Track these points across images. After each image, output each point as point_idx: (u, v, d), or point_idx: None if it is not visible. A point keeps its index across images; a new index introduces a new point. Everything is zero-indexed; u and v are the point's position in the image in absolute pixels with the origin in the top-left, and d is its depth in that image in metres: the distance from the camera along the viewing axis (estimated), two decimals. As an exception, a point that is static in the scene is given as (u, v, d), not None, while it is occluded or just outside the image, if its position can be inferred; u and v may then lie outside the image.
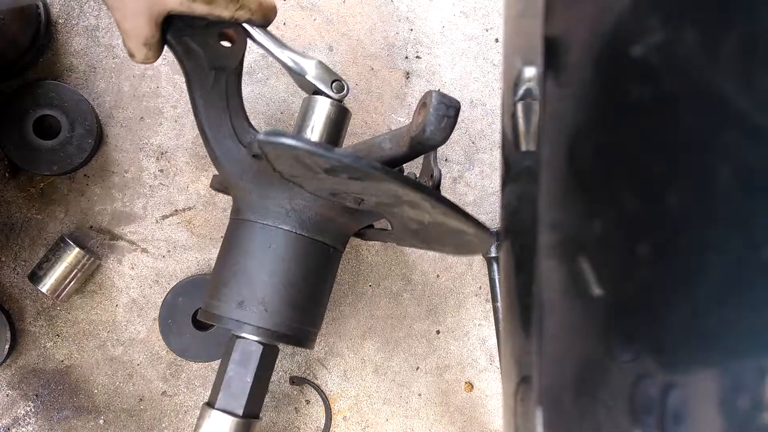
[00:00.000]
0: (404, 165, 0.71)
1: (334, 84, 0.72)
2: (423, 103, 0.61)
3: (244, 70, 0.92)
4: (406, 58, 0.94)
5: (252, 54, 0.92)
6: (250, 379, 0.71)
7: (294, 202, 0.69)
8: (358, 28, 0.94)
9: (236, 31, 0.69)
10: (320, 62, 0.72)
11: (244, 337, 0.71)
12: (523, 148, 0.49)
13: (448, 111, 0.59)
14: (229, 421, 0.70)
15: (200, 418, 0.72)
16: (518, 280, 0.49)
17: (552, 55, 0.43)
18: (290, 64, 0.71)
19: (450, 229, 0.60)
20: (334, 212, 0.70)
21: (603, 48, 0.41)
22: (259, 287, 0.69)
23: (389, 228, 0.73)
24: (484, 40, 0.95)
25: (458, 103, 0.60)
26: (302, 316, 0.71)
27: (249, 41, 0.71)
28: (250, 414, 0.72)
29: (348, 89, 0.73)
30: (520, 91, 0.49)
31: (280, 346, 0.93)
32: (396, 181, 0.51)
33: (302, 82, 0.73)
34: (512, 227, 0.52)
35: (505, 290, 0.57)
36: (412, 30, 0.95)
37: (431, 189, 0.56)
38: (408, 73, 0.94)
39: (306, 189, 0.65)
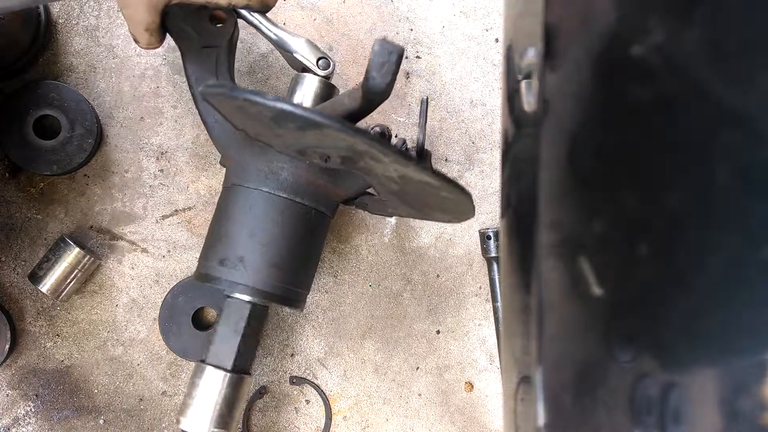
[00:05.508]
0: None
1: (320, 61, 0.76)
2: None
3: (245, 70, 0.92)
4: (406, 58, 0.94)
5: (252, 54, 0.92)
6: (237, 335, 0.73)
7: (272, 165, 0.72)
8: (358, 28, 0.94)
9: (225, 11, 0.73)
10: (308, 40, 0.75)
11: (230, 296, 0.74)
12: (523, 148, 0.49)
13: (390, 57, 0.60)
14: (221, 376, 0.72)
15: (194, 375, 0.74)
16: (518, 280, 0.49)
17: (551, 54, 0.43)
18: (278, 41, 0.74)
19: (420, 183, 0.61)
20: (312, 174, 0.72)
21: (602, 46, 0.41)
22: (240, 246, 0.72)
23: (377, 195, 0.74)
24: (484, 40, 0.95)
25: (400, 49, 0.60)
26: (285, 275, 0.73)
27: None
28: (240, 369, 0.74)
29: (334, 66, 0.76)
30: (520, 90, 0.49)
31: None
32: (333, 123, 0.52)
33: (290, 59, 0.77)
34: (512, 227, 0.52)
35: (505, 290, 0.57)
36: (412, 30, 0.95)
37: (369, 132, 0.57)
38: (408, 73, 0.94)
39: (275, 148, 0.68)
